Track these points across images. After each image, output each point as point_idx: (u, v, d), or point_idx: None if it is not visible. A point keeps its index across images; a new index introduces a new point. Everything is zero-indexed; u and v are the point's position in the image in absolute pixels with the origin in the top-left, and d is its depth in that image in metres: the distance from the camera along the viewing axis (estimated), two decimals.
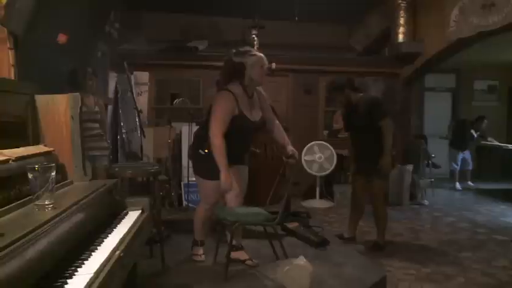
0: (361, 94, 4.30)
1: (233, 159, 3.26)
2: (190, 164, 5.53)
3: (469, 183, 8.39)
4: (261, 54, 3.31)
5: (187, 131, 5.69)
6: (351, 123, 4.37)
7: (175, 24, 7.16)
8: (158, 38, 6.99)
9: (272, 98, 5.65)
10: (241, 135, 3.32)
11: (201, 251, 3.57)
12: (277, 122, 3.57)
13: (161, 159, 5.89)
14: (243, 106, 3.23)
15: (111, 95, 5.67)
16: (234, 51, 3.33)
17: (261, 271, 3.23)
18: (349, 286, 3.05)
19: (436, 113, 9.26)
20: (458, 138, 8.29)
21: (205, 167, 3.29)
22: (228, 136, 3.16)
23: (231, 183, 3.13)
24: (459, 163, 8.28)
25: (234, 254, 3.36)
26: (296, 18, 6.63)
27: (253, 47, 4.98)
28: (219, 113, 3.17)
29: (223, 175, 3.11)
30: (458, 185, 8.18)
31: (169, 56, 6.66)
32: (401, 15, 6.60)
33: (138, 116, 4.98)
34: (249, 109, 3.29)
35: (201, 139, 3.35)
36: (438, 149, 8.15)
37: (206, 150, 3.24)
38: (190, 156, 3.63)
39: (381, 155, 4.06)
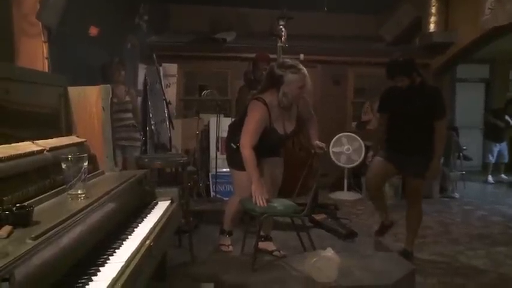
0: (420, 79, 3.63)
1: (267, 153, 3.28)
2: (218, 155, 5.62)
3: (502, 176, 8.14)
4: (305, 73, 3.19)
5: (215, 123, 5.73)
6: (399, 108, 3.63)
7: (203, 16, 7.17)
8: (186, 30, 7.03)
9: None
10: (272, 144, 3.35)
11: (228, 241, 3.60)
12: (314, 118, 3.57)
13: (189, 150, 5.95)
14: (274, 118, 3.23)
15: (140, 86, 5.76)
16: (280, 61, 3.30)
17: (288, 262, 3.23)
18: (377, 278, 3.01)
19: (469, 104, 9.01)
20: (493, 129, 8.04)
21: (238, 159, 3.31)
22: (260, 142, 3.19)
23: (261, 192, 3.14)
24: (495, 155, 8.03)
25: (262, 245, 3.38)
26: (325, 8, 6.54)
27: (281, 39, 4.92)
28: (251, 125, 3.19)
29: (254, 185, 3.13)
30: (490, 178, 7.94)
31: (197, 47, 6.68)
32: (433, 3, 6.44)
33: (167, 108, 5.04)
34: (281, 121, 3.28)
35: (233, 133, 3.38)
36: (470, 141, 7.94)
37: (238, 144, 3.27)
38: (225, 148, 3.65)
39: (430, 155, 3.53)
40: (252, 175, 3.14)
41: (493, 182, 7.90)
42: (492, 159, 8.01)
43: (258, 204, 3.11)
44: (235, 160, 3.40)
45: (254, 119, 3.19)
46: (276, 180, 3.50)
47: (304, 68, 3.22)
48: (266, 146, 3.28)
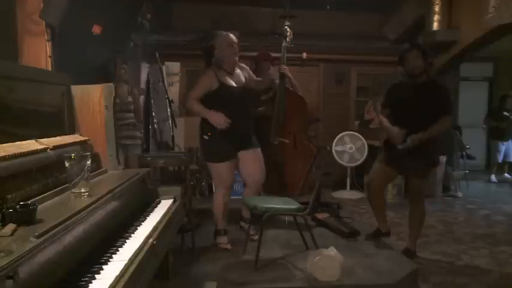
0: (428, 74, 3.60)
1: (241, 142, 3.35)
2: None
3: (506, 175, 8.12)
4: (226, 33, 3.52)
5: None
6: (404, 105, 3.56)
7: (206, 14, 7.17)
8: (189, 28, 7.02)
9: (303, 88, 5.61)
10: (233, 106, 3.45)
11: (225, 239, 3.60)
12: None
13: (192, 149, 5.94)
14: (222, 78, 3.47)
15: (143, 85, 5.76)
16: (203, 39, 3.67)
17: (291, 261, 3.23)
18: (380, 277, 3.02)
19: (472, 103, 8.96)
20: (496, 129, 8.01)
21: (212, 151, 3.51)
22: (222, 111, 3.36)
23: (220, 117, 3.34)
24: (502, 154, 7.98)
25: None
26: (328, 7, 6.53)
27: (286, 38, 4.92)
28: (195, 87, 3.53)
29: (209, 116, 3.38)
30: (493, 177, 7.91)
31: (200, 46, 6.67)
32: (437, 2, 6.40)
33: (170, 106, 5.04)
34: (229, 79, 3.51)
35: (202, 126, 3.55)
36: (473, 140, 7.91)
37: (209, 134, 3.44)
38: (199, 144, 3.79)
39: (431, 155, 3.57)
40: (199, 112, 3.43)
41: (496, 181, 7.88)
42: (500, 158, 7.96)
43: (220, 124, 3.33)
44: (210, 153, 3.56)
45: (199, 83, 3.52)
46: (258, 171, 3.62)
47: None
48: (233, 110, 3.41)
